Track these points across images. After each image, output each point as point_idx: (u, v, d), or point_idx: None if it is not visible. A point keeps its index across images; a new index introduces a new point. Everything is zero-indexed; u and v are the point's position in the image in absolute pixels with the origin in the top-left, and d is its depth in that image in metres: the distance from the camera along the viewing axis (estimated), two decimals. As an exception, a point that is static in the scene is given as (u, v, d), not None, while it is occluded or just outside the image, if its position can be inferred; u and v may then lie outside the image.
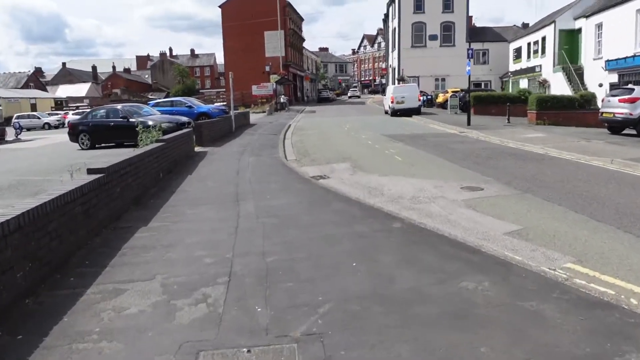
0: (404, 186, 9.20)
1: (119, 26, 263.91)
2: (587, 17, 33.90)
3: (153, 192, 8.79)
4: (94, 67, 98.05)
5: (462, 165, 11.62)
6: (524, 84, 43.93)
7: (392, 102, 33.30)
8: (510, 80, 48.30)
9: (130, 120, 17.92)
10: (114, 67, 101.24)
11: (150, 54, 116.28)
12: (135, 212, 7.30)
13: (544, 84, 38.00)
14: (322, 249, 5.16)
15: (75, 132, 19.25)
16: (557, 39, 37.32)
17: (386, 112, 36.64)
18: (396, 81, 53.38)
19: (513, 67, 47.67)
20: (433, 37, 54.24)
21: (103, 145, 18.74)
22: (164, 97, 57.59)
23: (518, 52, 46.21)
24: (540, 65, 39.95)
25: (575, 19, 36.31)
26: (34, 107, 63.63)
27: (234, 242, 5.51)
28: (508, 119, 25.16)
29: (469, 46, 23.97)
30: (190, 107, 26.47)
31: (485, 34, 55.68)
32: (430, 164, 12.11)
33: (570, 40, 36.97)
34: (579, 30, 35.85)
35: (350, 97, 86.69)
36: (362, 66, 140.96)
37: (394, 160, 12.85)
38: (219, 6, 61.79)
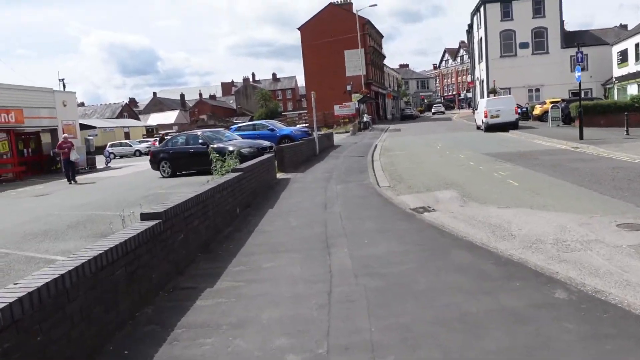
0: (537, 223, 7.17)
1: (205, 56, 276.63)
2: None
3: (227, 233, 7.39)
4: (182, 95, 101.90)
5: (600, 191, 9.34)
6: (633, 89, 39.59)
7: (485, 117, 30.73)
8: (615, 87, 43.90)
9: (210, 146, 17.01)
10: (200, 95, 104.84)
11: (234, 80, 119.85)
12: (202, 262, 5.88)
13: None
14: (464, 345, 3.36)
15: (156, 159, 18.68)
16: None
17: (478, 128, 34.05)
18: (486, 94, 50.34)
19: (618, 72, 43.30)
20: (524, 45, 50.75)
21: (184, 172, 17.99)
22: (248, 121, 57.98)
23: (624, 55, 41.87)
24: (655, 70, 35.70)
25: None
26: (127, 135, 66.47)
27: (328, 323, 3.85)
28: (627, 131, 21.98)
29: (578, 49, 21.19)
30: (272, 130, 25.58)
31: (583, 38, 51.15)
32: (557, 190, 9.91)
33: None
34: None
35: (434, 113, 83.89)
36: (445, 81, 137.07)
37: (510, 186, 10.74)
38: (298, 28, 61.82)
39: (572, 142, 19.61)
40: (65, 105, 29.98)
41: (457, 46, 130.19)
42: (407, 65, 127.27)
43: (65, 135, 21.61)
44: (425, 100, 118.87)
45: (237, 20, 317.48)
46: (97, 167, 29.36)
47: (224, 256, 6.10)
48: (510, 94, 44.60)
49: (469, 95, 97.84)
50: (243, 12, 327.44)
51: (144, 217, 5.11)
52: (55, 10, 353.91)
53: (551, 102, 39.17)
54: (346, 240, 6.45)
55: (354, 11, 55.48)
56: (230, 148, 16.67)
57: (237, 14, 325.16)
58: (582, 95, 46.96)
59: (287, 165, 15.76)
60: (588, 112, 30.44)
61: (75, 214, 11.09)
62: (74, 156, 20.01)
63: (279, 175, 14.48)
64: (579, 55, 20.43)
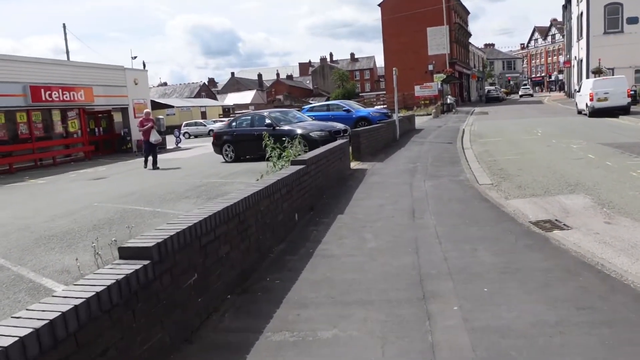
0: None
1: (285, 37, 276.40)
2: None
3: (276, 254, 5.29)
4: (259, 75, 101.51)
5: None
6: None
7: (591, 99, 26.82)
8: None
9: (277, 128, 15.05)
10: (277, 75, 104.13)
11: (311, 61, 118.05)
12: (229, 316, 3.80)
13: None
14: None
15: (219, 142, 17.00)
16: None
17: (580, 112, 30.05)
18: (585, 75, 45.26)
19: None
20: (632, 20, 44.89)
21: (248, 157, 16.15)
22: (327, 101, 56.05)
23: None
24: None
25: None
26: (204, 115, 66.59)
27: None
28: None
29: None
30: (348, 111, 23.36)
31: None
32: None
33: None
34: None
35: (521, 95, 78.02)
36: (533, 62, 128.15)
37: None
38: (379, 4, 58.62)
39: None
40: (136, 84, 29.15)
41: (548, 24, 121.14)
42: (492, 45, 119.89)
43: (148, 110, 18.76)
44: (512, 82, 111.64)
45: (317, 0, 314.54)
46: (167, 147, 28.43)
47: (261, 304, 3.97)
48: (613, 75, 39.63)
49: (560, 77, 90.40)
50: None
51: (125, 253, 3.07)
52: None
53: (668, 84, 34.24)
54: (453, 286, 4.12)
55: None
56: (299, 131, 14.62)
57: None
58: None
59: (364, 153, 13.48)
60: None
61: (113, 208, 9.43)
62: (154, 137, 16.75)
63: (354, 165, 12.24)
64: None
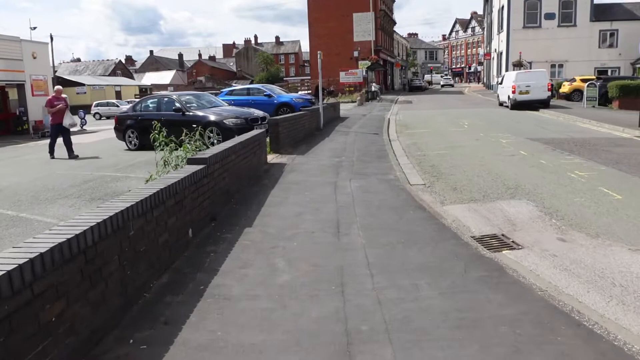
0: None
1: (209, 17, 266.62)
2: None
3: (154, 292, 3.87)
4: (180, 55, 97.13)
5: None
6: (672, 70, 35.70)
7: (513, 92, 26.97)
8: (650, 67, 39.89)
9: (187, 114, 13.38)
10: (200, 55, 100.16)
11: (235, 42, 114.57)
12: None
13: None
14: None
15: (122, 127, 15.03)
16: None
17: (501, 104, 30.31)
18: (505, 67, 46.29)
19: (655, 50, 39.12)
20: (550, 16, 46.29)
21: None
22: (249, 84, 54.07)
23: (663, 32, 37.71)
24: None
25: None
26: (118, 95, 62.46)
27: None
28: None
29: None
30: (269, 96, 21.75)
31: (614, 12, 46.95)
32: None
33: None
34: None
35: (443, 85, 79.63)
36: (454, 53, 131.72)
37: (611, 199, 7.13)
38: (305, -14, 57.02)
39: (631, 129, 16.02)
40: (35, 58, 26.00)
41: (468, 17, 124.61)
42: (416, 35, 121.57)
43: (59, 87, 14.70)
44: (434, 72, 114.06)
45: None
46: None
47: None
48: (531, 69, 40.62)
49: (479, 68, 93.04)
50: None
51: None
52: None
53: (582, 80, 35.36)
54: (392, 354, 2.91)
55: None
56: (212, 118, 13.05)
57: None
58: (609, 74, 43.11)
59: (283, 144, 12.13)
60: (629, 92, 26.79)
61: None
62: (68, 120, 13.80)
63: (271, 159, 10.85)
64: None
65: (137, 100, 17.96)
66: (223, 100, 21.07)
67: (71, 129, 14.18)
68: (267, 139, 11.16)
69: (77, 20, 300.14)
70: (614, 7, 47.87)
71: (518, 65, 41.59)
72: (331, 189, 7.68)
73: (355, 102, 35.25)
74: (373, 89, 42.73)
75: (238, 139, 8.18)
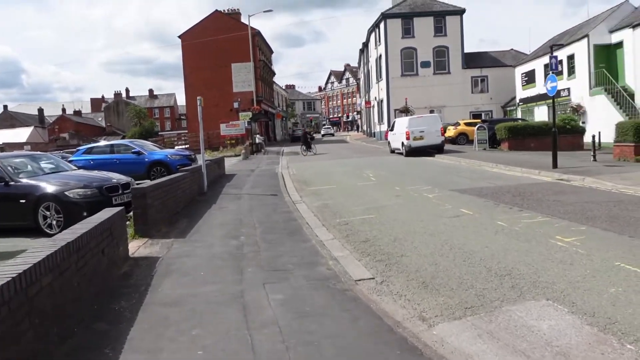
0: None
1: (77, 71, 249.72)
2: (634, 27, 27.33)
3: None
4: (40, 110, 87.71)
5: None
6: (542, 111, 37.26)
7: (407, 138, 25.64)
8: (520, 109, 41.60)
9: (12, 185, 9.46)
10: (63, 110, 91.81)
11: (104, 96, 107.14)
12: None
13: (578, 110, 31.12)
14: None
15: None
16: (592, 55, 30.68)
17: (393, 151, 29.04)
18: (388, 114, 46.26)
19: (523, 93, 41.00)
20: (425, 64, 47.44)
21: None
22: (119, 140, 48.84)
23: (530, 77, 39.55)
24: (569, 89, 33.18)
25: (613, 31, 29.90)
26: (-39, 158, 53.61)
27: None
28: (594, 156, 17.72)
29: (551, 53, 16.45)
30: (139, 153, 17.97)
31: (483, 60, 49.36)
32: None
33: (605, 58, 30.48)
34: (618, 44, 29.45)
35: (324, 135, 79.00)
36: (330, 103, 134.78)
37: (630, 275, 4.80)
38: (179, 36, 53.92)
39: (544, 171, 14.86)
40: None
41: (342, 69, 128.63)
42: (293, 86, 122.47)
43: None
44: (313, 122, 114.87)
45: (115, 34, 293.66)
46: None
47: None
48: (415, 114, 40.66)
49: (357, 117, 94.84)
50: (121, 27, 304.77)
51: None
52: None
53: (466, 124, 35.59)
54: None
55: (244, 20, 49.07)
56: (50, 189, 9.24)
57: (116, 29, 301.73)
58: (483, 117, 44.57)
59: (155, 222, 8.65)
60: (518, 134, 26.73)
61: None
62: None
63: (135, 250, 7.32)
64: (554, 61, 15.56)
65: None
66: (78, 160, 17.02)
67: None
68: (127, 220, 7.72)
69: None
70: (482, 55, 50.36)
71: (405, 111, 41.43)
72: (238, 317, 4.46)
73: (240, 155, 32.24)
74: (257, 140, 40.12)
75: (56, 242, 4.76)
